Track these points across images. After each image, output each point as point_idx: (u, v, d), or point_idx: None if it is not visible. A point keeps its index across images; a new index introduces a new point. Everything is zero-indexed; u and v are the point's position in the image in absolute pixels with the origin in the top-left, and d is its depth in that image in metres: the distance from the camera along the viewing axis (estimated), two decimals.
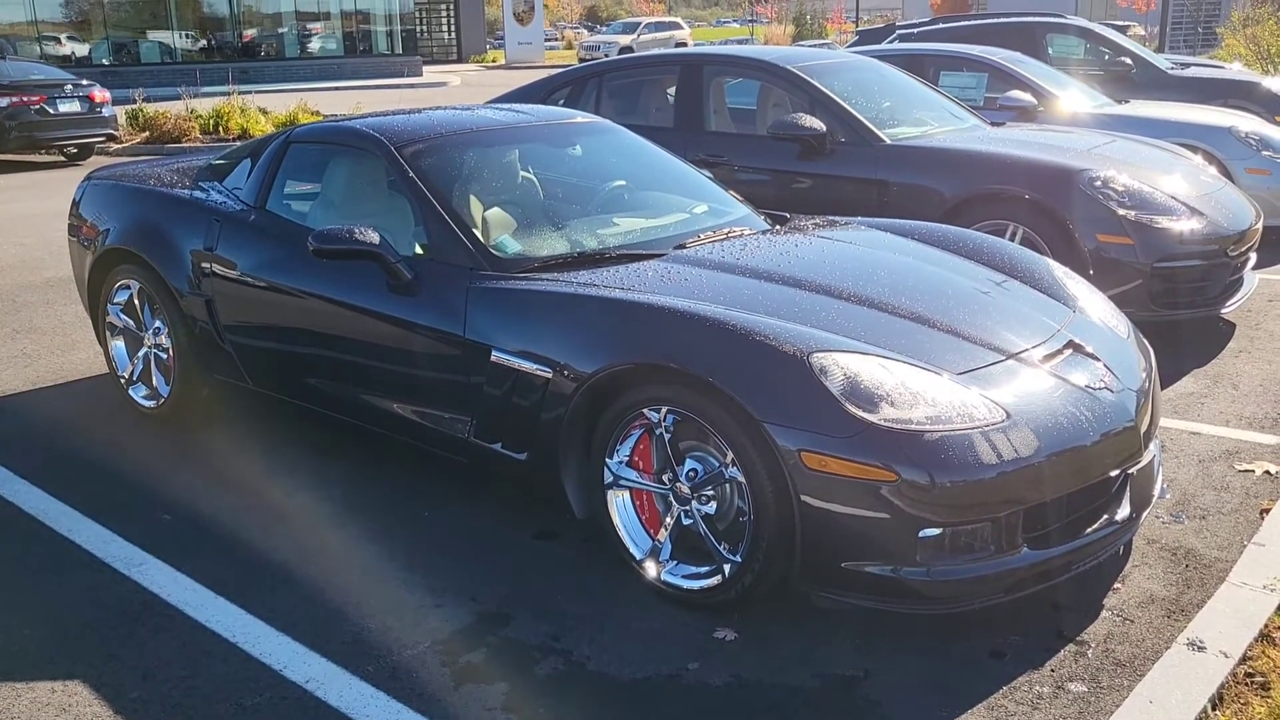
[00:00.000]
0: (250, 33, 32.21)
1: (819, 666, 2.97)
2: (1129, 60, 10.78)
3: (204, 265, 4.52)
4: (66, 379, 5.58)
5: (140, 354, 4.92)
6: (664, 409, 3.19)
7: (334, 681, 2.95)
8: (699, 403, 3.10)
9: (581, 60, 36.15)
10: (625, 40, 35.54)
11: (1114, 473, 3.19)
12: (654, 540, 3.34)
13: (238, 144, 13.80)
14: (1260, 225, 5.98)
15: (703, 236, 4.11)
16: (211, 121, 16.77)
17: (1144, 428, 3.34)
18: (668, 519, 3.29)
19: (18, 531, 3.90)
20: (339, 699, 2.87)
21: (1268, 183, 8.04)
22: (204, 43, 31.57)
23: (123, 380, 4.99)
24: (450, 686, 2.92)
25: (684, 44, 37.25)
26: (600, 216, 4.31)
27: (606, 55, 35.33)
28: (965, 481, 2.89)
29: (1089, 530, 3.16)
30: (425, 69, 33.72)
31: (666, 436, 3.22)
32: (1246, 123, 8.51)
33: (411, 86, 28.98)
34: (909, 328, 3.37)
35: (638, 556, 3.36)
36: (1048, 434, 3.05)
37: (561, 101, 7.14)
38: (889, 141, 6.12)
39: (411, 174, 4.06)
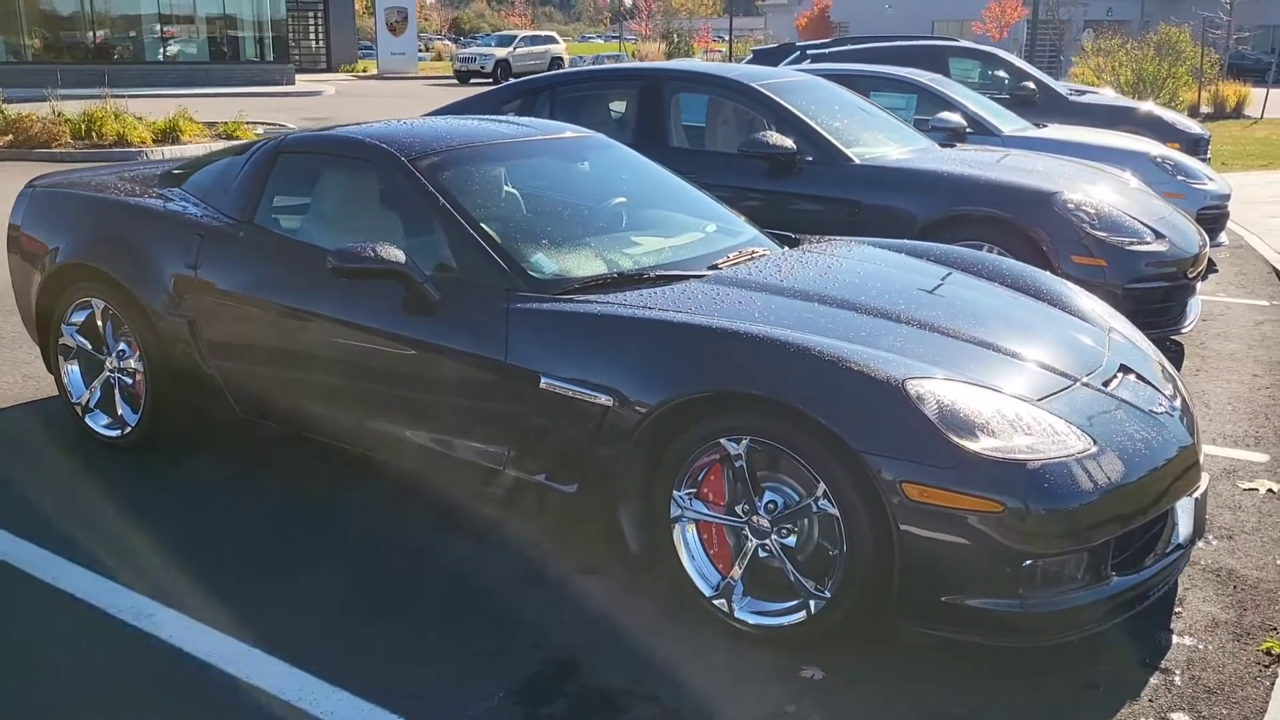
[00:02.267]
0: (105, 34, 30.70)
1: (920, 706, 2.88)
2: (1032, 85, 11.13)
3: (185, 283, 4.17)
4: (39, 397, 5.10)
5: (100, 379, 4.51)
6: (745, 439, 3.05)
7: None
8: (787, 433, 2.98)
9: (457, 72, 35.72)
10: (501, 53, 35.20)
11: (1186, 496, 3.20)
12: (724, 576, 3.19)
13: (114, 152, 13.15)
14: (1207, 248, 6.19)
15: (731, 257, 3.99)
16: (83, 126, 15.82)
17: (1199, 450, 3.37)
18: (742, 554, 3.15)
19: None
20: None
21: (1183, 206, 8.35)
22: (57, 43, 29.94)
23: (78, 408, 4.57)
24: None
25: (560, 59, 37.18)
26: (620, 235, 4.15)
27: (482, 67, 34.98)
28: (1066, 510, 2.85)
29: (1163, 556, 3.16)
30: (297, 77, 32.68)
31: (744, 468, 3.08)
32: (1157, 148, 8.86)
33: (285, 95, 28.07)
34: (977, 353, 3.32)
35: (707, 593, 3.20)
36: (1129, 460, 3.03)
37: (514, 112, 6.92)
38: (858, 161, 6.12)
39: (430, 188, 3.82)
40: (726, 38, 69.52)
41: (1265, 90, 22.51)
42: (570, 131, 4.68)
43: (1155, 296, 5.69)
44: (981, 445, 2.85)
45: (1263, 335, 6.61)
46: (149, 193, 4.58)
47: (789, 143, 6.04)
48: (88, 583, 3.46)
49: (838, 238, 4.57)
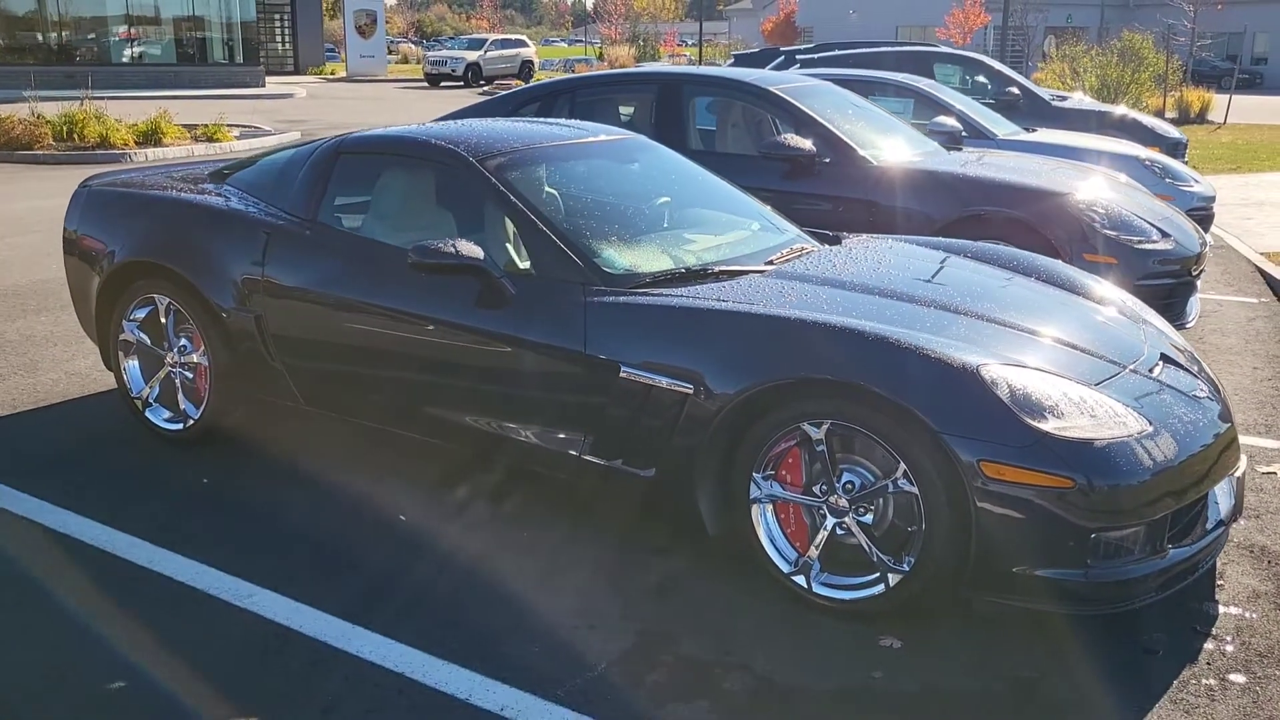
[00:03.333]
0: (70, 36, 30.41)
1: (998, 670, 3.07)
2: (1017, 90, 11.43)
3: (252, 279, 4.29)
4: (46, 401, 5.17)
5: (160, 374, 4.62)
6: (826, 423, 3.23)
7: (531, 708, 2.86)
8: (868, 417, 3.16)
9: (428, 75, 35.71)
10: (472, 56, 35.26)
11: (1230, 474, 3.42)
12: (800, 554, 3.37)
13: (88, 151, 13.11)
14: (1207, 247, 6.46)
15: (783, 253, 4.18)
16: (65, 128, 15.75)
17: (1236, 432, 3.59)
18: (820, 532, 3.33)
19: (89, 566, 3.61)
20: None
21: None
22: (19, 44, 29.62)
23: (138, 402, 4.67)
24: (652, 706, 2.89)
25: (530, 62, 37.27)
26: (674, 232, 4.32)
27: (453, 71, 34.98)
28: (1129, 486, 3.05)
29: (1209, 530, 3.37)
30: (266, 79, 32.54)
31: (825, 450, 3.26)
32: (1144, 151, 9.17)
33: (257, 97, 27.96)
34: (1033, 342, 3.52)
35: (785, 569, 3.38)
36: (1180, 440, 3.25)
37: (531, 115, 7.07)
38: (875, 163, 6.33)
39: (501, 188, 3.97)
40: (690, 41, 69.95)
41: (1228, 96, 23.07)
42: (617, 133, 4.85)
43: (1162, 293, 5.93)
44: (1051, 425, 3.05)
45: (1257, 330, 6.89)
46: (208, 191, 4.69)
47: (809, 145, 6.23)
48: (182, 567, 3.58)
49: (876, 235, 4.77)
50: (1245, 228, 10.63)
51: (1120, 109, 12.79)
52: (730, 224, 4.54)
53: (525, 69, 36.62)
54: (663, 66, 9.35)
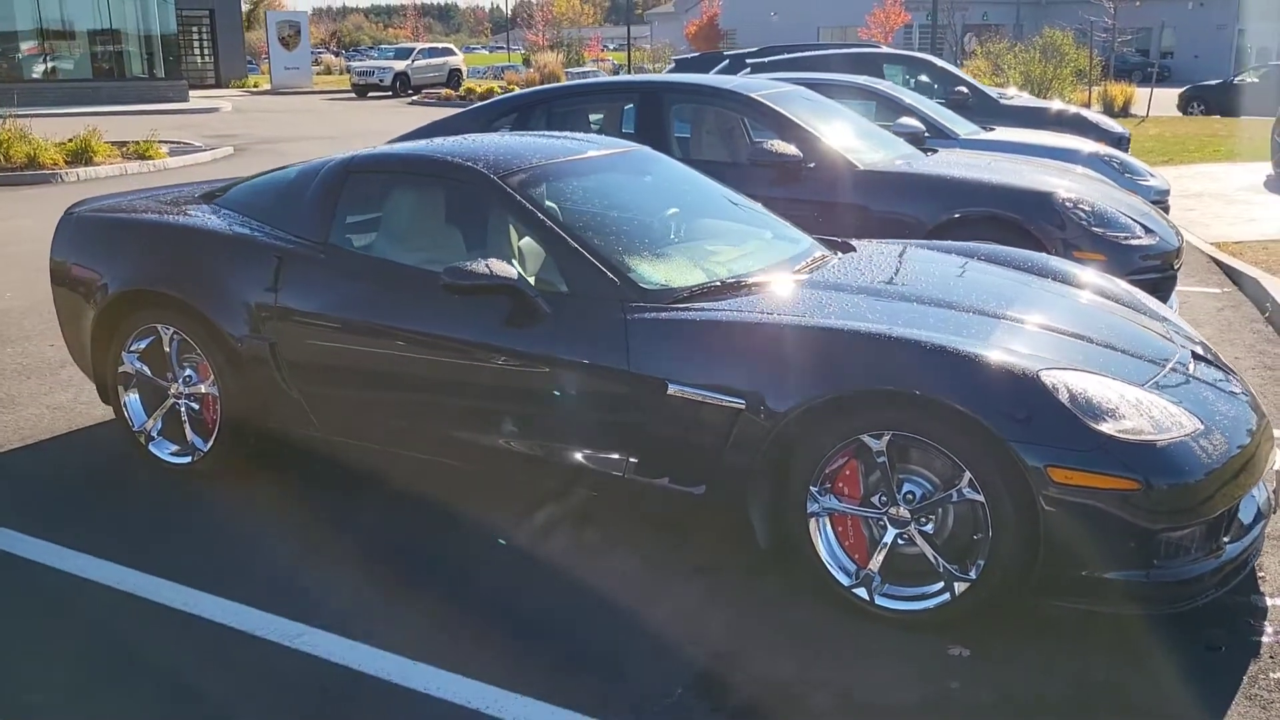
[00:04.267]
0: None
1: (1071, 675, 3.08)
2: (965, 89, 11.60)
3: (265, 305, 4.15)
4: (33, 439, 4.96)
5: (164, 406, 4.45)
6: (886, 435, 3.22)
7: None
8: (930, 426, 3.15)
9: (355, 85, 35.23)
10: (400, 65, 34.83)
11: (1270, 468, 3.48)
12: (859, 566, 3.35)
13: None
14: (1184, 241, 6.59)
15: (806, 262, 4.16)
16: None
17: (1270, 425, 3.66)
18: (882, 544, 3.31)
19: (122, 611, 3.46)
20: None
21: None
22: None
23: (141, 436, 4.50)
24: None
25: (459, 70, 36.95)
26: (696, 244, 4.28)
27: (381, 81, 34.55)
28: (1190, 485, 3.08)
29: (1254, 525, 3.42)
30: (189, 94, 31.81)
31: (886, 462, 3.25)
32: (1103, 147, 9.35)
33: (180, 112, 27.31)
34: (1074, 344, 3.54)
35: (845, 582, 3.36)
36: (1229, 435, 3.29)
37: (509, 127, 6.98)
38: (862, 167, 6.36)
39: (527, 205, 3.90)
40: (612, 46, 69.97)
41: (1150, 90, 23.70)
42: (626, 145, 4.80)
43: (1147, 288, 6.00)
44: (1113, 428, 3.07)
45: (1228, 320, 7.06)
46: (206, 215, 4.53)
47: (795, 150, 6.24)
48: (221, 608, 3.45)
49: (886, 240, 4.78)
50: (1190, 219, 10.88)
51: (1070, 105, 13.05)
52: (745, 234, 4.52)
53: (454, 77, 36.31)
54: (641, 76, 9.29)
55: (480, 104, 7.44)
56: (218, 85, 38.59)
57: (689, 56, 18.92)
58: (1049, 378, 3.13)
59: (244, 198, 4.68)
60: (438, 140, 4.57)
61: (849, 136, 6.72)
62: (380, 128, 23.04)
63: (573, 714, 2.90)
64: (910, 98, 9.35)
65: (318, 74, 46.66)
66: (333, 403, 4.14)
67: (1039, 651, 3.19)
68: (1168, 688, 3.03)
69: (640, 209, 4.41)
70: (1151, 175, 9.14)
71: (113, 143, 16.80)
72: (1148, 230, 6.12)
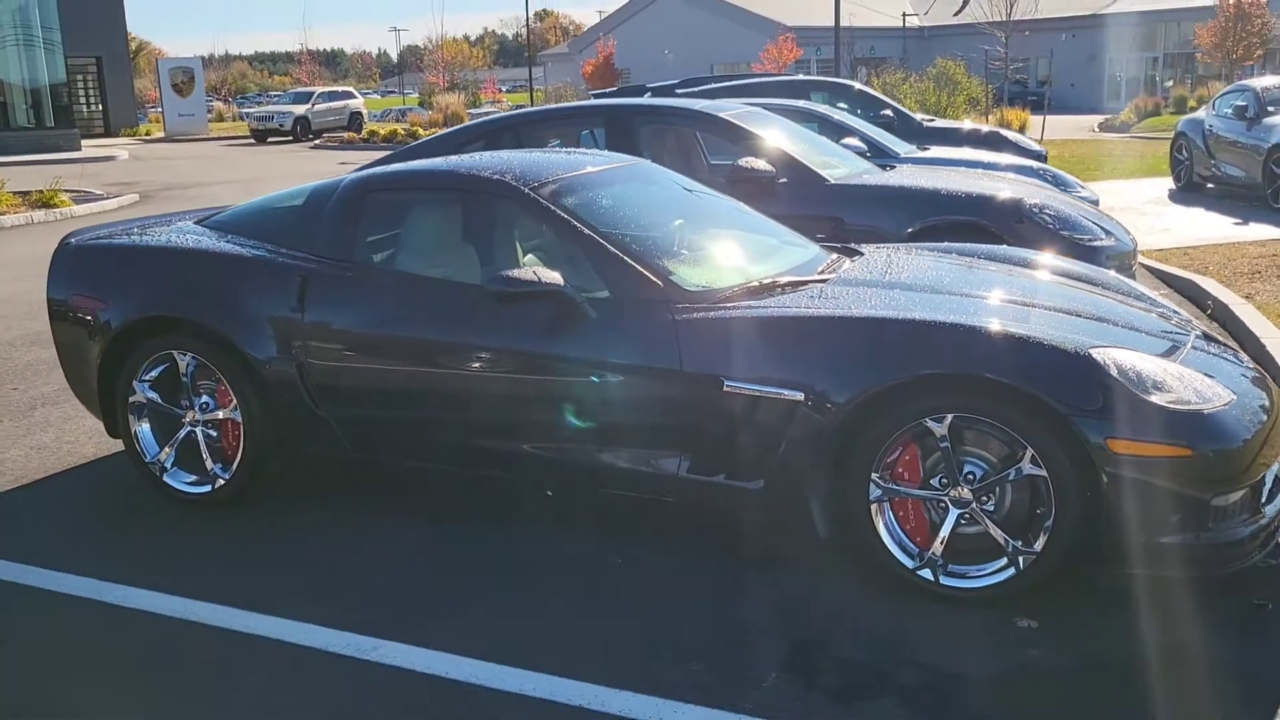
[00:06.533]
0: None
1: (1139, 636, 3.20)
2: (890, 113, 11.99)
3: (291, 327, 4.10)
4: (25, 480, 4.78)
5: (179, 435, 4.34)
6: (948, 417, 3.32)
7: None
8: (992, 406, 3.27)
9: (254, 131, 34.65)
10: (300, 110, 34.32)
11: None
12: (921, 548, 3.44)
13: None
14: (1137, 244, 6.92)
15: (826, 264, 4.28)
16: None
17: None
18: (942, 525, 3.41)
19: (187, 640, 3.36)
20: None
21: None
22: None
23: (154, 468, 4.37)
24: (841, 708, 2.89)
25: (360, 113, 36.62)
26: (716, 248, 4.38)
27: (281, 125, 34.04)
28: (1235, 450, 3.25)
29: (1277, 491, 3.62)
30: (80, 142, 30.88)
31: (946, 444, 3.35)
32: (1034, 162, 9.75)
33: (75, 161, 26.45)
34: (1107, 328, 3.70)
35: (910, 565, 3.44)
36: (1258, 404, 3.49)
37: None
38: (832, 181, 6.53)
39: (563, 214, 3.94)
40: (505, 89, 70.16)
41: (1043, 116, 24.74)
42: (627, 159, 4.87)
43: None
44: (1163, 399, 3.23)
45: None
46: (214, 240, 4.45)
47: (770, 167, 6.39)
48: (282, 627, 3.38)
49: (887, 245, 4.93)
50: None
51: (980, 125, 13.54)
52: (756, 239, 4.62)
53: (355, 120, 35.96)
54: (609, 101, 9.40)
55: (447, 131, 7.46)
56: (107, 134, 37.54)
57: (607, 91, 19.16)
58: (1099, 355, 3.28)
59: (244, 221, 4.62)
60: (450, 158, 4.58)
61: (815, 154, 6.91)
62: (289, 170, 22.78)
63: (680, 704, 2.91)
64: (852, 120, 9.62)
65: (213, 120, 45.76)
66: (366, 422, 4.10)
67: (1102, 618, 3.31)
68: (1229, 643, 3.18)
69: (657, 217, 4.47)
70: (1082, 187, 9.55)
71: (15, 192, 16.28)
72: (1106, 233, 6.41)
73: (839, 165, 6.95)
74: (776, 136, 6.77)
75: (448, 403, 3.97)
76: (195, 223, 4.78)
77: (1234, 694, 2.95)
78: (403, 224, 4.32)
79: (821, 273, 4.14)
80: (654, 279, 3.77)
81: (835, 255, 4.46)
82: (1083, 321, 3.71)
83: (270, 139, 34.24)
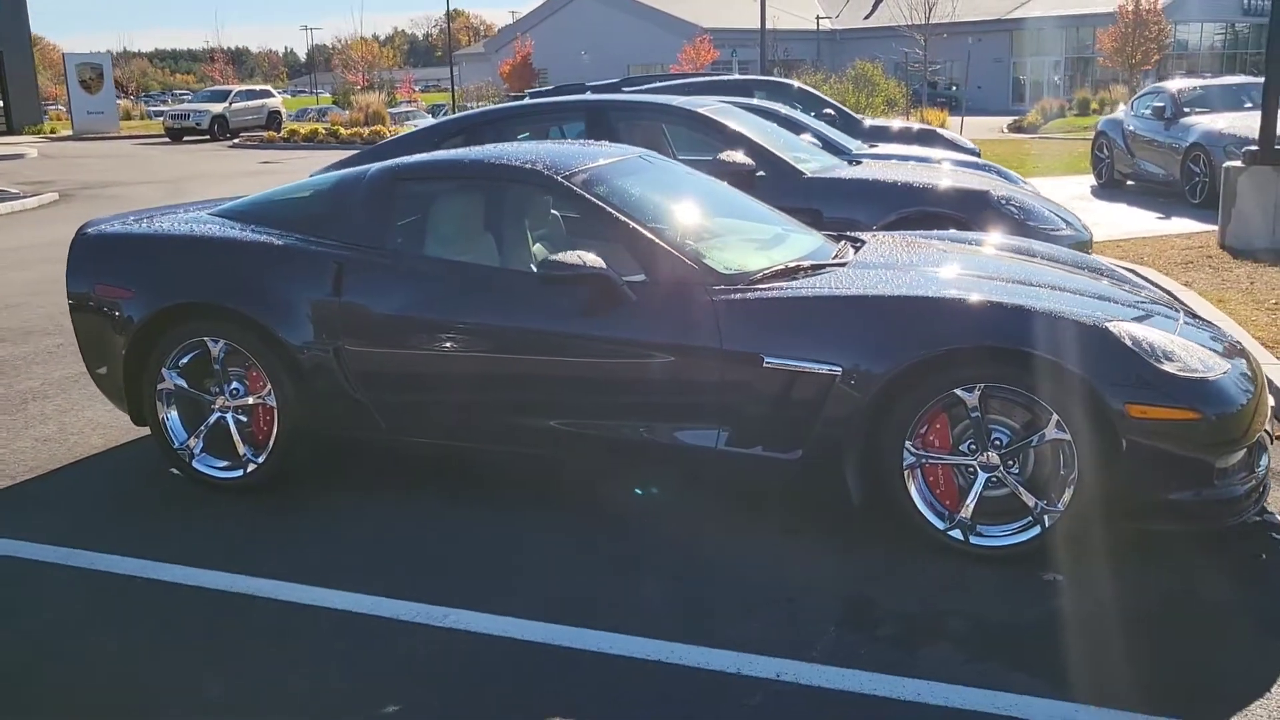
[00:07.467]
0: None
1: (1154, 587, 3.50)
2: (832, 111, 12.34)
3: (328, 312, 4.20)
4: (40, 470, 4.78)
5: (209, 421, 4.40)
6: (979, 387, 3.58)
7: (800, 672, 3.03)
8: (1020, 376, 3.53)
9: (169, 129, 33.91)
10: (217, 108, 33.69)
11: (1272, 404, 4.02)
12: (951, 510, 3.69)
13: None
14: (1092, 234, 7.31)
15: (839, 248, 4.52)
16: None
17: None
18: (971, 489, 3.66)
19: (257, 615, 3.46)
20: (849, 683, 2.98)
21: None
22: None
23: (184, 454, 4.43)
24: (903, 653, 3.12)
25: (278, 112, 36.08)
26: (734, 234, 4.58)
27: (198, 124, 33.39)
28: (1236, 413, 3.56)
29: (1264, 456, 3.95)
30: None
31: (976, 413, 3.60)
32: (977, 158, 10.15)
33: None
34: (1109, 305, 3.98)
35: (941, 527, 3.69)
36: (1247, 372, 3.81)
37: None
38: (808, 175, 6.79)
39: (597, 202, 4.11)
40: (419, 88, 69.58)
41: (960, 117, 25.54)
42: (634, 151, 5.04)
43: None
44: (1173, 368, 3.52)
45: None
46: (240, 229, 4.52)
47: (749, 160, 6.62)
48: (352, 600, 3.50)
49: (886, 232, 5.19)
50: None
51: (912, 123, 13.99)
52: (766, 228, 4.83)
53: (274, 120, 35.41)
54: (588, 96, 9.54)
55: (426, 126, 7.55)
56: (10, 132, 36.38)
57: (543, 89, 19.27)
58: (1114, 327, 3.57)
59: (264, 211, 4.69)
60: (474, 149, 4.70)
61: (788, 149, 7.16)
62: (210, 170, 22.42)
63: (755, 656, 3.11)
64: (806, 118, 9.91)
65: (120, 119, 44.61)
66: (405, 402, 4.21)
67: (1118, 570, 3.59)
68: (1240, 591, 3.49)
69: (675, 203, 4.64)
70: (1026, 183, 9.97)
71: None
72: (1066, 223, 6.77)
73: (810, 160, 7.21)
74: (754, 132, 7.00)
75: (487, 384, 4.10)
76: (217, 211, 4.83)
77: (1240, 632, 3.25)
78: (432, 211, 4.44)
79: (837, 257, 4.37)
80: (689, 263, 3.96)
81: (843, 242, 4.70)
82: (1090, 300, 3.99)
83: (186, 138, 33.56)
